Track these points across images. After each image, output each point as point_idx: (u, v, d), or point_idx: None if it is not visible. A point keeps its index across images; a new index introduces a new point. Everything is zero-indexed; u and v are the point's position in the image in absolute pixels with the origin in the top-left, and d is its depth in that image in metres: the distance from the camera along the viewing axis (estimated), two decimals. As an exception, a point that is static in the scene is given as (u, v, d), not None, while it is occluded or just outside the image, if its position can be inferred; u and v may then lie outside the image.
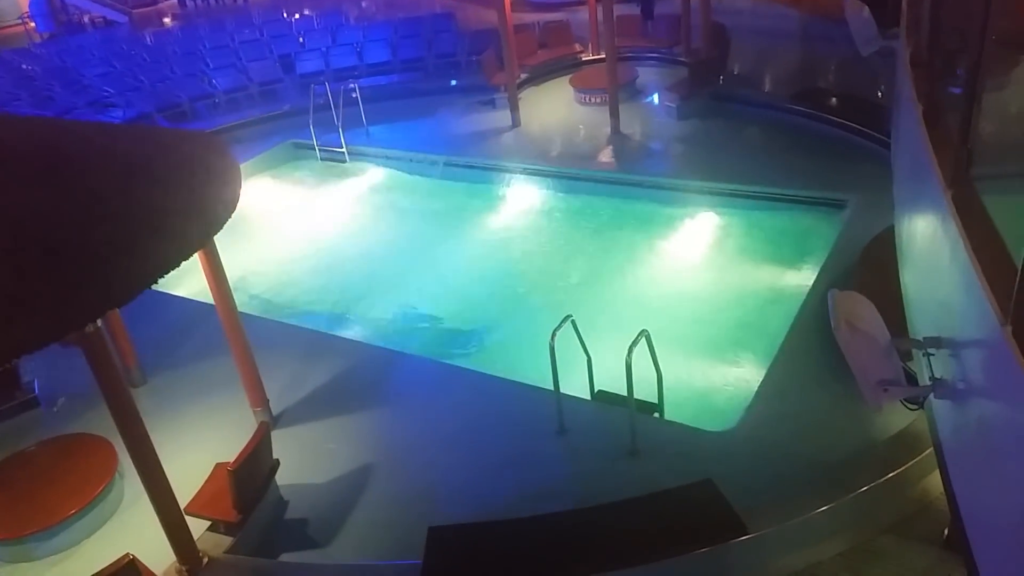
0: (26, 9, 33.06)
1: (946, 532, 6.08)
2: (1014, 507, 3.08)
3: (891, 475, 6.54)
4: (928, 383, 4.44)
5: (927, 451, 6.59)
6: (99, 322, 5.52)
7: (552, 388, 7.58)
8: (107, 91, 19.09)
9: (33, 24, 32.73)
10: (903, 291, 6.09)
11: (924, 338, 4.53)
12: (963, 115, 4.40)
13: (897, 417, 6.96)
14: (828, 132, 13.41)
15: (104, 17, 32.73)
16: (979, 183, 4.29)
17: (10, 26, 33.54)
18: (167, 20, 32.29)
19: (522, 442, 7.71)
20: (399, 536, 6.80)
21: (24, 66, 22.02)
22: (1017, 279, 3.06)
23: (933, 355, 4.49)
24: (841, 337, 4.72)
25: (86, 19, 33.57)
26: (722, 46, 17.02)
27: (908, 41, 7.57)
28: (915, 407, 5.50)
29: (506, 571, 6.41)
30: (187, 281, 10.46)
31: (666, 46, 18.52)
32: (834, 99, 14.72)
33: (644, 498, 6.63)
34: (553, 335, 7.28)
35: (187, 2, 35.37)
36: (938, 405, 4.54)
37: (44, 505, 7.05)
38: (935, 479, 6.48)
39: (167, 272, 5.49)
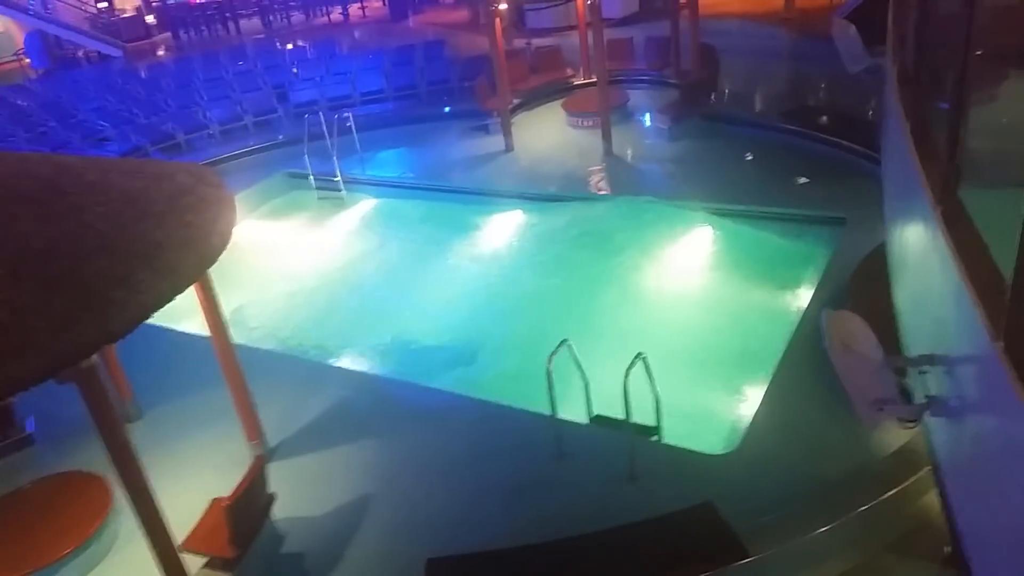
0: (21, 45, 33.29)
1: (947, 550, 6.04)
2: (1011, 524, 3.06)
3: (891, 493, 6.51)
4: (923, 401, 4.44)
5: (927, 468, 6.56)
6: (94, 357, 5.50)
7: (550, 413, 7.56)
8: (102, 125, 19.19)
9: (28, 60, 32.95)
10: (896, 309, 6.10)
11: (918, 356, 4.54)
12: (950, 131, 4.44)
13: (896, 434, 6.94)
14: (819, 150, 13.48)
15: (98, 52, 32.96)
16: (968, 199, 4.31)
17: (5, 62, 33.75)
18: (161, 53, 32.52)
19: (520, 469, 7.67)
20: (398, 568, 6.74)
21: (19, 102, 22.12)
22: (1008, 296, 3.07)
23: (927, 373, 4.49)
24: (835, 357, 4.73)
25: (80, 54, 33.80)
26: (712, 67, 17.16)
27: (895, 58, 7.64)
28: (911, 425, 5.49)
29: (507, 600, 6.36)
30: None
31: (656, 68, 18.66)
32: (824, 117, 14.82)
33: (644, 523, 6.59)
34: (550, 359, 7.26)
35: (181, 35, 35.67)
36: (934, 423, 4.53)
37: (38, 545, 6.98)
38: (935, 496, 6.45)
39: (163, 305, 5.49)
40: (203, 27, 35.88)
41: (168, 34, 35.77)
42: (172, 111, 19.71)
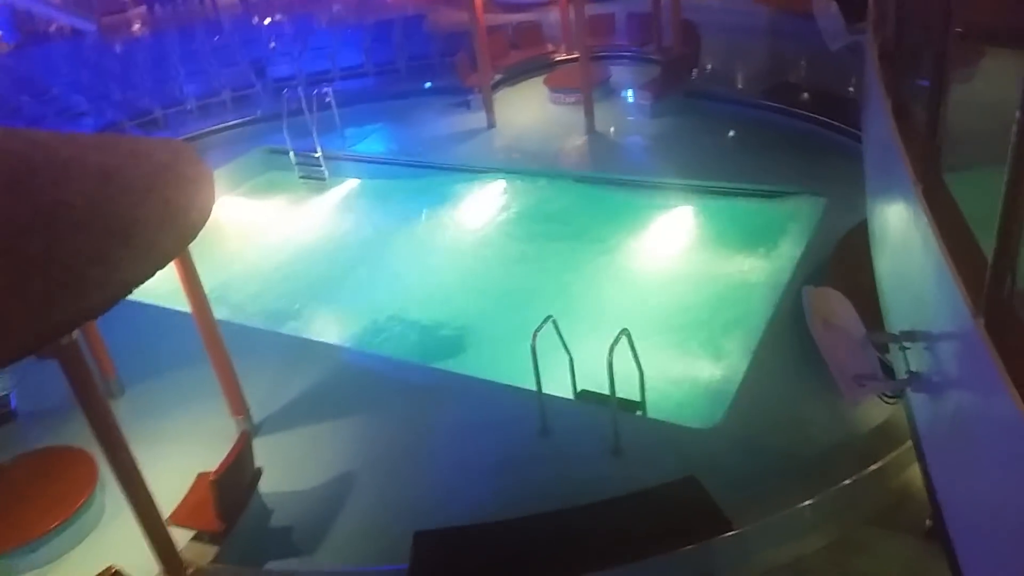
0: (-9, 19, 32.54)
1: (928, 522, 6.15)
2: (990, 497, 3.13)
3: (873, 467, 6.62)
4: (904, 376, 4.48)
5: (908, 442, 6.66)
6: (75, 334, 5.46)
7: (535, 389, 7.60)
8: (77, 100, 18.86)
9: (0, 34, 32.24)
10: (878, 285, 6.15)
11: (899, 332, 4.57)
12: (931, 109, 4.46)
13: (878, 409, 7.04)
14: (800, 127, 13.52)
15: (71, 26, 32.27)
16: (949, 176, 4.34)
17: (-26, 36, 32.99)
18: (136, 27, 31.91)
19: (506, 444, 7.72)
20: (385, 541, 6.79)
21: (-10, 77, 21.70)
22: (988, 272, 3.11)
23: (909, 348, 4.53)
24: (816, 334, 4.77)
25: (53, 28, 33.08)
26: (693, 43, 17.10)
27: (875, 35, 7.65)
28: (893, 400, 5.56)
29: (492, 574, 6.41)
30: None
31: (638, 44, 18.59)
32: (805, 94, 14.84)
33: (628, 497, 6.66)
34: (534, 336, 7.29)
35: (156, 8, 35.00)
36: (915, 398, 4.59)
37: (24, 520, 6.97)
38: (916, 470, 6.55)
39: (143, 282, 5.45)
40: (179, 0, 35.21)
41: (143, 7, 35.06)
42: (148, 86, 19.40)
